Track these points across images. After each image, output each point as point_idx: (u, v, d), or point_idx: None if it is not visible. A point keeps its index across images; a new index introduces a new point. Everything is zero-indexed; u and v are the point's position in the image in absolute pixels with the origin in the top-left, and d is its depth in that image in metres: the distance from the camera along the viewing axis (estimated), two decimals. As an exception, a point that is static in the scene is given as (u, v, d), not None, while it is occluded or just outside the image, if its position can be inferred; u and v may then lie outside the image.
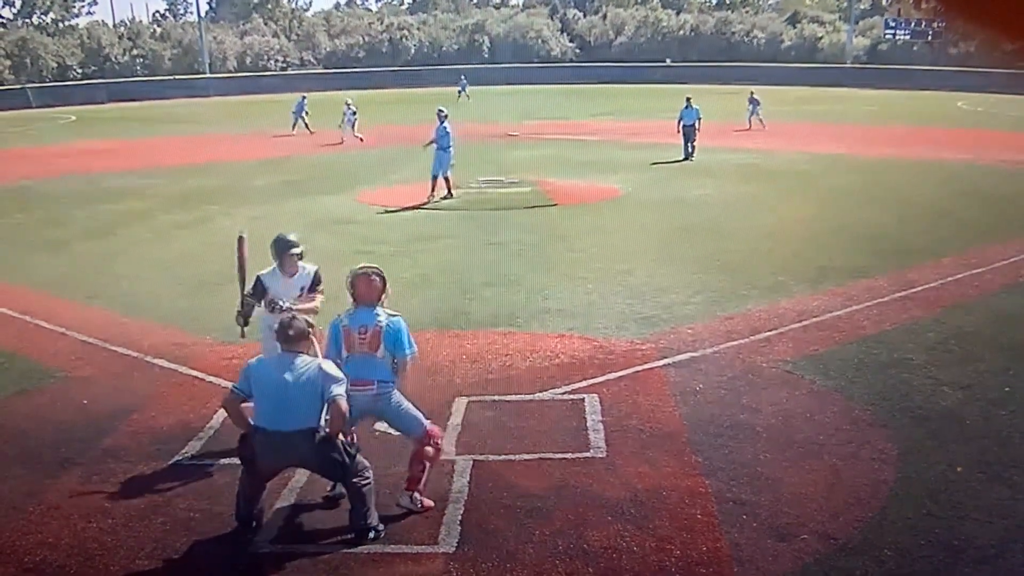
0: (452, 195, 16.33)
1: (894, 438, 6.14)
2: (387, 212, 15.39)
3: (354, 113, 27.00)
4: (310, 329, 5.25)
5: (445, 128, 16.30)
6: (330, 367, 5.08)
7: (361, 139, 26.36)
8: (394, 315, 5.47)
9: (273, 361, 5.20)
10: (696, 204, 15.82)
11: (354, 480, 5.03)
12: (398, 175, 19.67)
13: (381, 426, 5.94)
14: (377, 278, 5.49)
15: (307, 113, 29.40)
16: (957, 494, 5.37)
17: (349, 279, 5.52)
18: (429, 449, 5.40)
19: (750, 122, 28.40)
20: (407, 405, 5.46)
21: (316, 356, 5.27)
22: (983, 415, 6.55)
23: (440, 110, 16.78)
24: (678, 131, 21.61)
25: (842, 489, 5.46)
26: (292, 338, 5.11)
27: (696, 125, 21.51)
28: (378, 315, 5.42)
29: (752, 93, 29.16)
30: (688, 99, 21.79)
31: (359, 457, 5.10)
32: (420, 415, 5.48)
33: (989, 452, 5.92)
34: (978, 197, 16.07)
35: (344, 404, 4.98)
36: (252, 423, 5.07)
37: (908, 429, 6.30)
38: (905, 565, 4.66)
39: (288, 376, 4.98)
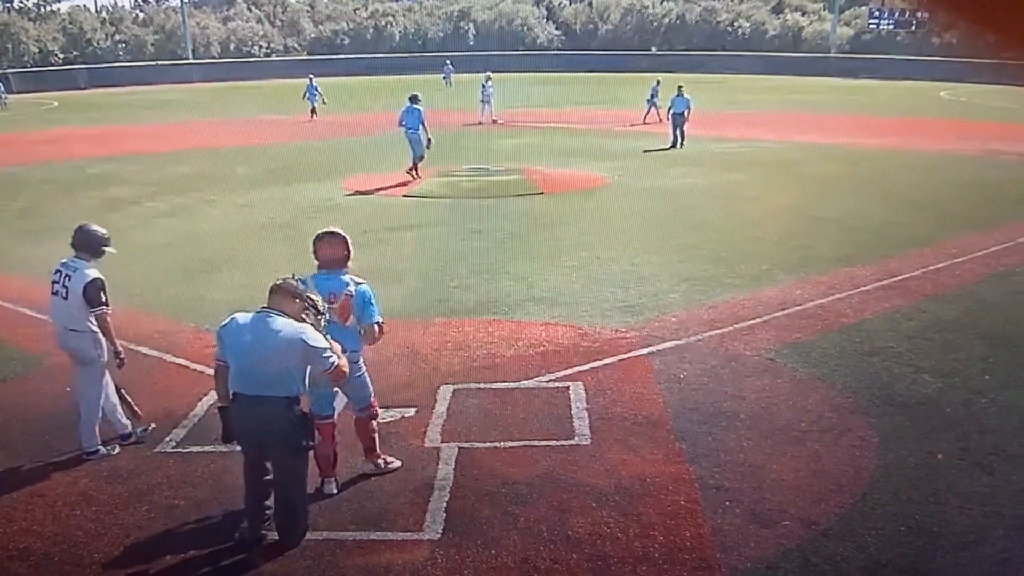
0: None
1: (875, 425, 6.20)
2: (372, 199, 15.32)
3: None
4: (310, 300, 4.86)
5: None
6: (313, 337, 4.71)
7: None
8: (361, 282, 5.41)
9: (247, 320, 4.81)
10: (681, 193, 15.86)
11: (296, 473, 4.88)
12: (383, 163, 19.56)
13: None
14: (339, 240, 5.39)
15: (320, 94, 30.24)
16: (937, 481, 5.43)
17: (313, 242, 5.44)
18: (373, 423, 5.60)
19: (657, 114, 26.18)
20: (365, 374, 5.51)
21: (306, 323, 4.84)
22: (963, 403, 6.62)
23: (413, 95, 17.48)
24: (667, 119, 21.66)
25: (823, 476, 5.52)
26: (273, 290, 4.82)
27: (686, 114, 21.59)
28: (347, 282, 5.33)
29: (657, 83, 27.15)
30: (680, 87, 21.86)
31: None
32: (370, 385, 5.54)
33: (969, 439, 5.99)
34: (960, 187, 16.18)
35: (345, 363, 4.83)
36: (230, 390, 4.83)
37: (889, 416, 6.36)
38: (885, 551, 4.72)
39: (259, 336, 4.66)
